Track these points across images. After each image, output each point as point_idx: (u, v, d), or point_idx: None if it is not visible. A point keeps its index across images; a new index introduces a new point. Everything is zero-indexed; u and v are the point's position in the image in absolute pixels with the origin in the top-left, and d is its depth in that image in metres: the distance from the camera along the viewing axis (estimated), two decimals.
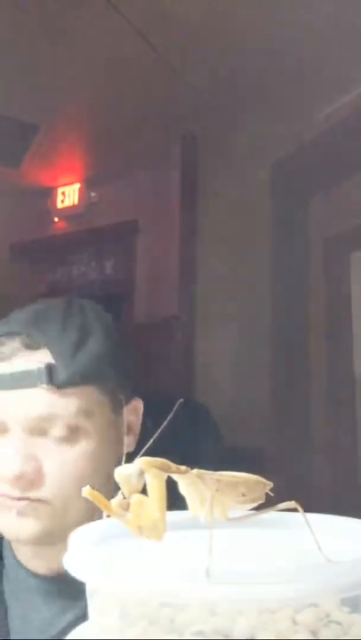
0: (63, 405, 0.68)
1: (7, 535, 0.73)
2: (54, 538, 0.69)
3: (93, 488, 0.40)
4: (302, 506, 0.42)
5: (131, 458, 0.42)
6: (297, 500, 0.43)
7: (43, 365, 0.68)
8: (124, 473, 0.40)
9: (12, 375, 0.69)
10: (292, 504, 0.43)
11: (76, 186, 3.32)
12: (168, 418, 0.44)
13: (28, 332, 0.70)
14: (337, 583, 0.36)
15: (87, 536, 0.42)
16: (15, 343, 0.70)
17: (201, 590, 0.34)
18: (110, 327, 0.74)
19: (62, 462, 0.69)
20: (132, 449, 0.67)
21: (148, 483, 0.40)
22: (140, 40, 2.13)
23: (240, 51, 2.20)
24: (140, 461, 0.41)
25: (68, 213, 3.36)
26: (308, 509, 0.43)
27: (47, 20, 2.10)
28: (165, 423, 0.44)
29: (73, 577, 0.38)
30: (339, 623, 0.37)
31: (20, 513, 0.68)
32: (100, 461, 0.70)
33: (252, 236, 2.62)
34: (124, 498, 0.40)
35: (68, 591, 0.71)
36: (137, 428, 0.75)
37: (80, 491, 0.38)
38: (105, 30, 2.14)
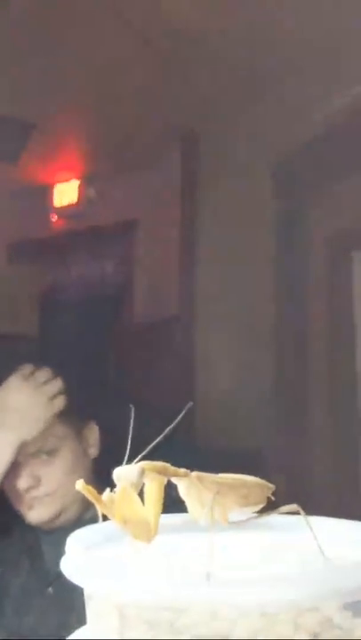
0: None
1: None
2: None
3: None
4: (302, 506, 0.42)
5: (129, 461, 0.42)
6: (297, 501, 0.42)
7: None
8: (123, 473, 0.40)
9: None
10: (294, 507, 0.42)
11: (75, 184, 3.31)
12: (175, 421, 0.43)
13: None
14: (339, 587, 0.35)
15: (84, 539, 0.42)
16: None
17: (201, 594, 0.34)
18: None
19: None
20: None
21: (145, 486, 0.40)
22: (140, 39, 2.13)
23: (240, 51, 2.20)
24: (141, 464, 0.40)
25: (67, 212, 3.35)
26: (308, 510, 0.42)
27: (46, 20, 2.10)
28: (172, 426, 0.43)
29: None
30: (340, 627, 0.37)
31: None
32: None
33: (252, 236, 2.62)
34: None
35: None
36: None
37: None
38: (104, 29, 2.14)
